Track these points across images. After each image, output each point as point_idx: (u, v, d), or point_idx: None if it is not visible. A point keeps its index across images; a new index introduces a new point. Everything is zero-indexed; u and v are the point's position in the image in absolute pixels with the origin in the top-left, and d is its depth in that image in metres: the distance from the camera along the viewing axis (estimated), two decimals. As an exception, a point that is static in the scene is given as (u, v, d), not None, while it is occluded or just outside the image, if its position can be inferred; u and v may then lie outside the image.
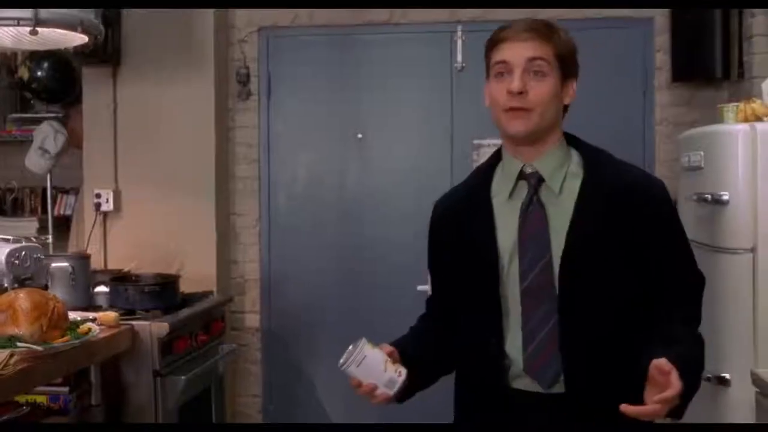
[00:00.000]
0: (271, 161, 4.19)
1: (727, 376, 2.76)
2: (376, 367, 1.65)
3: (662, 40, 3.92)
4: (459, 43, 4.01)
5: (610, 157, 1.81)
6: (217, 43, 4.02)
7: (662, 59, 3.93)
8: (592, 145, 1.83)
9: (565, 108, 1.79)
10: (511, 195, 1.78)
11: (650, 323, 1.71)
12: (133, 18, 3.95)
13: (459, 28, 4.00)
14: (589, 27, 3.97)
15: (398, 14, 4.02)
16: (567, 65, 1.74)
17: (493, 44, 1.76)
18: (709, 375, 2.74)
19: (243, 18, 4.18)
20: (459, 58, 4.00)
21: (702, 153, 2.96)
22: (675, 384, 1.47)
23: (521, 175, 1.77)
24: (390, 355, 1.70)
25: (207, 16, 3.97)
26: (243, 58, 4.16)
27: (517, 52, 1.71)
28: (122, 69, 4.00)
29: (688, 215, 3.14)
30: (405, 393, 1.72)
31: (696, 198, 2.93)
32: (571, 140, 1.83)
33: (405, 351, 1.76)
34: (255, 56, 4.17)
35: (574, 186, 1.74)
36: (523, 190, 1.76)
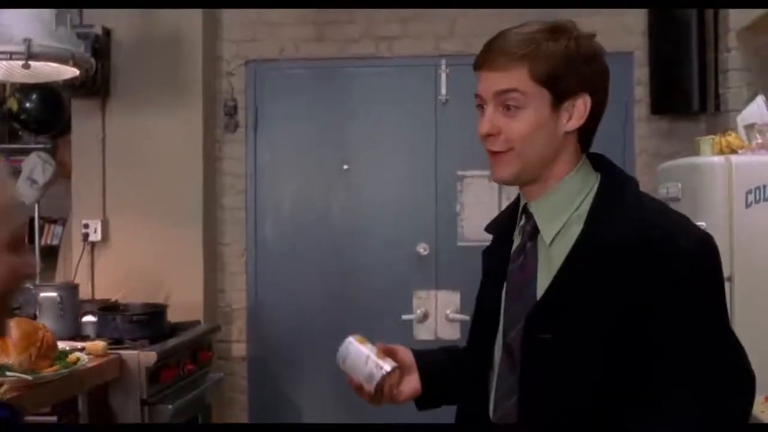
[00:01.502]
0: (258, 192, 4.24)
1: (707, 402, 2.80)
2: (358, 362, 1.57)
3: (641, 73, 4.02)
4: (443, 76, 4.09)
5: (631, 195, 1.44)
6: (205, 76, 4.08)
7: (641, 92, 4.03)
8: (618, 175, 1.49)
9: (584, 131, 1.46)
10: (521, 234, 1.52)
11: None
12: (122, 50, 4.01)
13: (443, 61, 4.08)
14: (570, 61, 4.07)
15: (384, 47, 4.10)
16: (562, 81, 1.41)
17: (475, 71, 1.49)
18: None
19: (231, 50, 4.24)
20: (443, 90, 4.08)
21: (679, 184, 3.03)
22: None
23: (526, 215, 1.50)
24: (385, 350, 1.59)
25: (195, 48, 4.03)
26: (230, 90, 4.22)
27: (486, 85, 1.45)
28: (111, 101, 4.05)
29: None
30: (424, 401, 1.65)
31: (674, 228, 2.99)
32: (601, 166, 1.49)
33: (426, 357, 1.68)
34: (242, 88, 4.23)
35: (571, 236, 1.42)
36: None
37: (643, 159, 4.02)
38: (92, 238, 4.00)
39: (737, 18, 3.63)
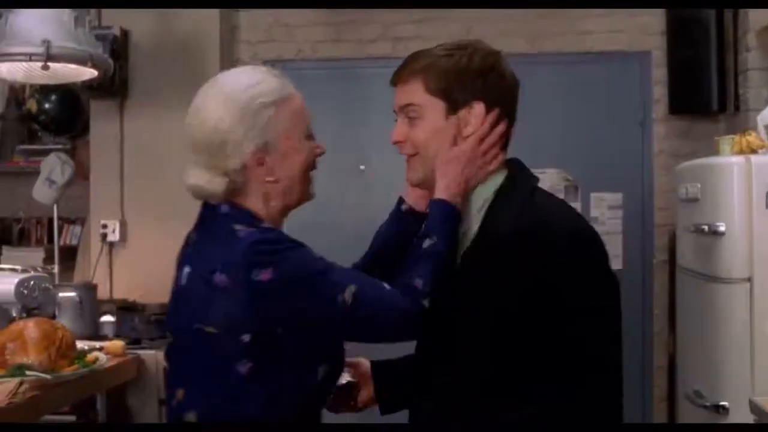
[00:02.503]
0: (274, 192, 4.24)
1: (726, 404, 2.78)
2: None
3: (660, 73, 3.99)
4: (460, 76, 4.07)
5: (524, 193, 1.58)
6: (223, 77, 4.09)
7: (660, 92, 4.00)
8: (520, 176, 1.63)
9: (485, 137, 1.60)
10: None
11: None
12: (140, 52, 4.03)
13: (460, 61, 4.07)
14: (588, 61, 4.07)
15: (400, 48, 4.10)
16: (455, 92, 1.56)
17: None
18: (707, 403, 2.77)
19: (248, 51, 4.25)
20: (460, 91, 4.06)
21: (699, 185, 3.01)
22: None
23: None
24: (346, 364, 1.70)
25: (212, 49, 4.04)
26: (248, 91, 4.22)
27: (395, 99, 1.64)
28: (129, 102, 4.07)
29: (685, 246, 3.19)
30: (383, 407, 1.78)
31: (693, 229, 2.97)
32: (511, 169, 1.64)
33: (382, 366, 1.80)
34: (259, 89, 4.24)
35: (470, 235, 1.58)
36: None
37: (662, 159, 4.00)
38: (110, 238, 4.03)
39: (757, 17, 3.59)
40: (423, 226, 1.59)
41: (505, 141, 1.62)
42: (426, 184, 1.62)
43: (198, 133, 1.58)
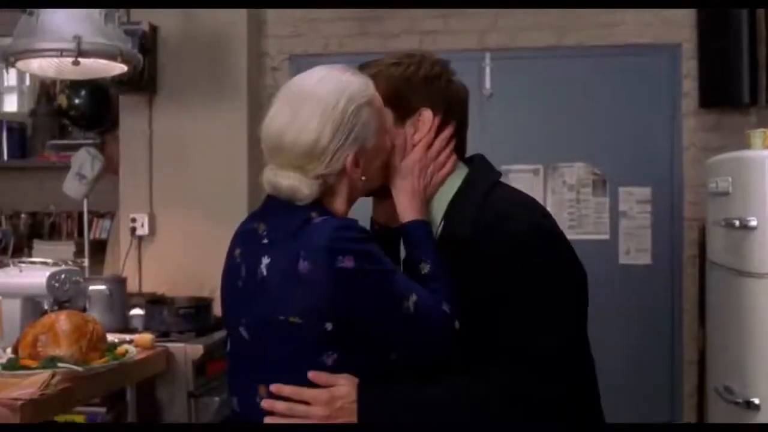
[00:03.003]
0: (302, 186, 4.25)
1: (756, 401, 2.75)
2: None
3: (689, 66, 3.96)
4: (487, 70, 4.06)
5: (481, 189, 1.64)
6: (250, 71, 4.11)
7: (690, 85, 3.96)
8: (479, 171, 1.70)
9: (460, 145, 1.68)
10: None
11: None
12: (168, 47, 4.06)
13: (487, 55, 4.05)
14: (617, 54, 4.03)
15: (427, 42, 4.09)
16: (402, 100, 1.63)
17: None
18: (739, 399, 2.75)
19: (275, 46, 4.27)
20: (488, 84, 4.05)
21: (730, 178, 2.98)
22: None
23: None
24: None
25: (240, 44, 4.06)
26: (275, 85, 4.24)
27: None
28: (158, 97, 4.10)
29: (715, 240, 3.16)
30: None
31: (724, 223, 2.94)
32: (471, 166, 1.71)
33: None
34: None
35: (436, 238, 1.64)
36: None
37: (691, 153, 3.96)
38: (139, 232, 4.06)
39: (789, 8, 3.55)
40: (406, 245, 1.63)
41: (458, 143, 1.68)
42: (387, 191, 1.65)
43: (292, 144, 1.53)
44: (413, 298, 1.49)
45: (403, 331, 1.51)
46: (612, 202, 4.04)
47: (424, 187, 1.63)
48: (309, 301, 1.46)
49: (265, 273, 1.53)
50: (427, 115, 1.62)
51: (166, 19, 4.03)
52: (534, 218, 1.58)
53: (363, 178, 1.58)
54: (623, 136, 4.02)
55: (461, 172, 1.67)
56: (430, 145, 1.63)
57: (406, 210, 1.62)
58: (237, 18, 4.05)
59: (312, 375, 1.49)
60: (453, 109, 1.66)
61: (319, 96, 1.54)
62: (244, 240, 1.64)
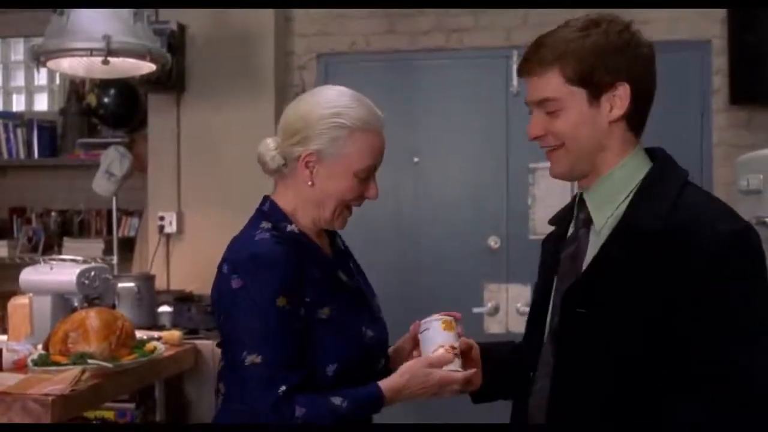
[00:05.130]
0: (328, 184, 4.25)
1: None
2: (429, 345, 1.72)
3: (720, 62, 3.91)
4: (514, 68, 4.04)
5: (674, 186, 1.45)
6: (277, 70, 4.12)
7: (720, 81, 3.92)
8: (668, 166, 1.52)
9: (632, 118, 1.51)
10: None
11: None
12: (196, 46, 4.08)
13: (514, 53, 4.03)
14: (645, 50, 3.99)
15: (455, 39, 4.08)
16: (595, 76, 1.46)
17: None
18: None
19: (302, 44, 4.28)
20: (515, 82, 4.03)
21: (761, 176, 2.94)
22: None
23: (581, 204, 1.56)
24: (464, 347, 1.70)
25: (267, 43, 4.08)
26: (302, 83, 4.25)
27: (529, 92, 1.52)
28: (186, 95, 4.13)
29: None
30: (478, 396, 1.74)
31: (755, 221, 2.91)
32: (657, 158, 1.54)
33: (491, 352, 1.76)
34: (313, 82, 4.26)
35: (610, 223, 1.48)
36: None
37: (721, 150, 3.91)
38: (168, 230, 4.09)
39: (822, 4, 3.50)
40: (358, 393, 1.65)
41: (639, 118, 1.54)
42: (571, 176, 1.54)
43: (287, 116, 1.78)
44: (256, 357, 1.62)
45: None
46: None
47: (412, 395, 1.64)
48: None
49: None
50: (626, 89, 1.47)
51: (194, 18, 4.05)
52: (738, 226, 1.39)
53: (310, 183, 1.72)
54: (652, 133, 3.90)
55: (638, 158, 1.52)
56: (447, 380, 1.64)
57: (390, 390, 1.64)
58: (264, 17, 4.07)
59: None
60: (645, 80, 1.53)
61: (328, 95, 1.76)
62: None
